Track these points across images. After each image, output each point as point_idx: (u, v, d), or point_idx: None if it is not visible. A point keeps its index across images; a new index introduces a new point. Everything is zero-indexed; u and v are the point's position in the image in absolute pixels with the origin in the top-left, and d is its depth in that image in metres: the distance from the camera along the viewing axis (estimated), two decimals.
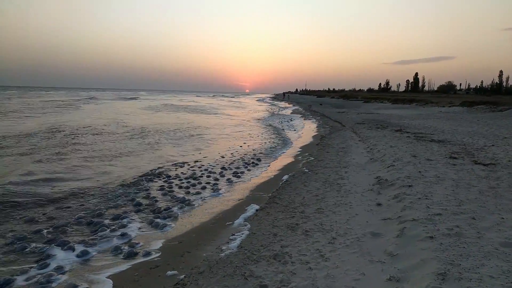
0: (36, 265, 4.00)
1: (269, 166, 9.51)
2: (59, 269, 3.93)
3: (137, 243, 4.64)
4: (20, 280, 3.71)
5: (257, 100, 79.83)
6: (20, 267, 3.95)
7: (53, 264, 4.03)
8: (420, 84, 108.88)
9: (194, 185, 7.45)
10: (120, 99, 58.31)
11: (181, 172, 8.48)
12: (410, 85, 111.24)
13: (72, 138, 13.27)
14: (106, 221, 5.30)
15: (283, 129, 18.96)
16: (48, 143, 11.91)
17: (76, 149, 11.12)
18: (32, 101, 40.83)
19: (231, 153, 11.28)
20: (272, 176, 8.21)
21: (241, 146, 12.80)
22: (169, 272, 3.80)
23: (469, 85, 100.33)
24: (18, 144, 11.50)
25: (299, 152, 11.39)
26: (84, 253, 4.30)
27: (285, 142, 14.10)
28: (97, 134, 14.88)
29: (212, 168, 9.02)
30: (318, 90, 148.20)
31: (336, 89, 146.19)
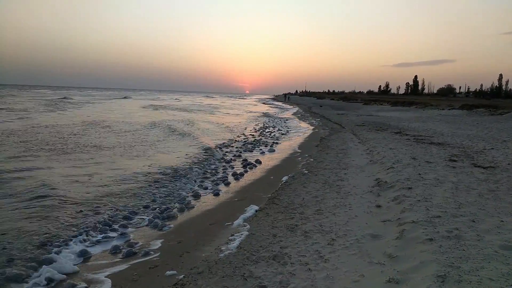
0: (35, 264, 3.98)
1: (268, 167, 9.51)
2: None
3: (136, 243, 4.63)
4: (17, 281, 3.69)
5: (257, 101, 79.91)
6: (19, 267, 3.93)
7: (53, 263, 4.00)
8: (420, 86, 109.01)
9: (193, 185, 7.45)
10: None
11: (180, 173, 8.47)
12: (409, 87, 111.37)
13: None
14: (104, 220, 5.28)
15: (283, 130, 18.96)
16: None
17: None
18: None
19: (229, 154, 11.27)
20: (272, 177, 8.21)
21: (239, 148, 12.79)
22: (168, 272, 3.80)
23: (468, 88, 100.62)
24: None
25: (298, 153, 11.40)
26: (83, 253, 4.29)
27: (285, 143, 14.11)
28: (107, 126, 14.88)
29: (211, 169, 9.02)
30: (318, 92, 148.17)
31: (336, 91, 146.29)
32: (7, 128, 14.96)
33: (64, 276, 3.77)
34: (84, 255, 4.26)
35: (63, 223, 5.11)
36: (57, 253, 4.22)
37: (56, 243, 4.46)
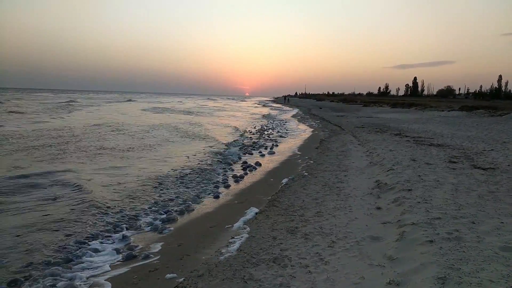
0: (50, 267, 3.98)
1: (268, 169, 9.50)
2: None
3: (136, 246, 4.63)
4: (19, 281, 3.68)
5: (257, 103, 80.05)
6: (20, 268, 3.93)
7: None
8: (419, 88, 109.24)
9: (194, 188, 7.44)
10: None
11: (182, 176, 8.47)
12: (409, 89, 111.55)
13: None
14: (106, 223, 5.28)
15: (282, 132, 18.96)
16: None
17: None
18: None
19: (229, 156, 11.26)
20: (272, 180, 8.21)
21: (239, 150, 12.78)
22: (168, 275, 3.79)
23: (468, 89, 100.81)
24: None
25: (298, 156, 11.40)
26: (91, 255, 4.29)
27: (284, 145, 14.10)
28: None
29: (212, 171, 9.02)
30: (318, 94, 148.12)
31: (336, 92, 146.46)
32: (7, 131, 14.98)
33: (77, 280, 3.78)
34: (91, 257, 4.26)
35: (70, 227, 5.13)
36: (70, 257, 4.25)
37: (69, 247, 4.49)
